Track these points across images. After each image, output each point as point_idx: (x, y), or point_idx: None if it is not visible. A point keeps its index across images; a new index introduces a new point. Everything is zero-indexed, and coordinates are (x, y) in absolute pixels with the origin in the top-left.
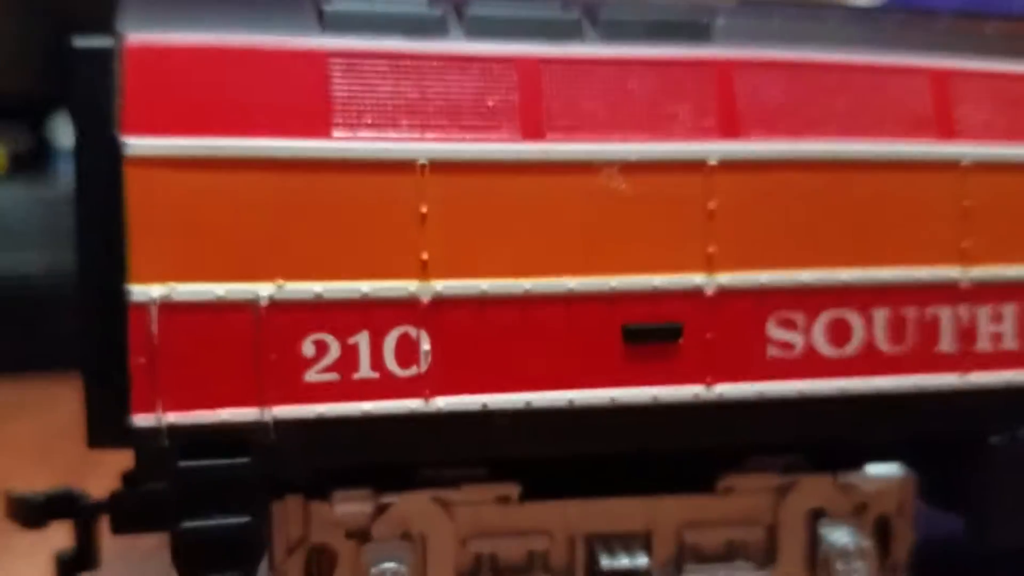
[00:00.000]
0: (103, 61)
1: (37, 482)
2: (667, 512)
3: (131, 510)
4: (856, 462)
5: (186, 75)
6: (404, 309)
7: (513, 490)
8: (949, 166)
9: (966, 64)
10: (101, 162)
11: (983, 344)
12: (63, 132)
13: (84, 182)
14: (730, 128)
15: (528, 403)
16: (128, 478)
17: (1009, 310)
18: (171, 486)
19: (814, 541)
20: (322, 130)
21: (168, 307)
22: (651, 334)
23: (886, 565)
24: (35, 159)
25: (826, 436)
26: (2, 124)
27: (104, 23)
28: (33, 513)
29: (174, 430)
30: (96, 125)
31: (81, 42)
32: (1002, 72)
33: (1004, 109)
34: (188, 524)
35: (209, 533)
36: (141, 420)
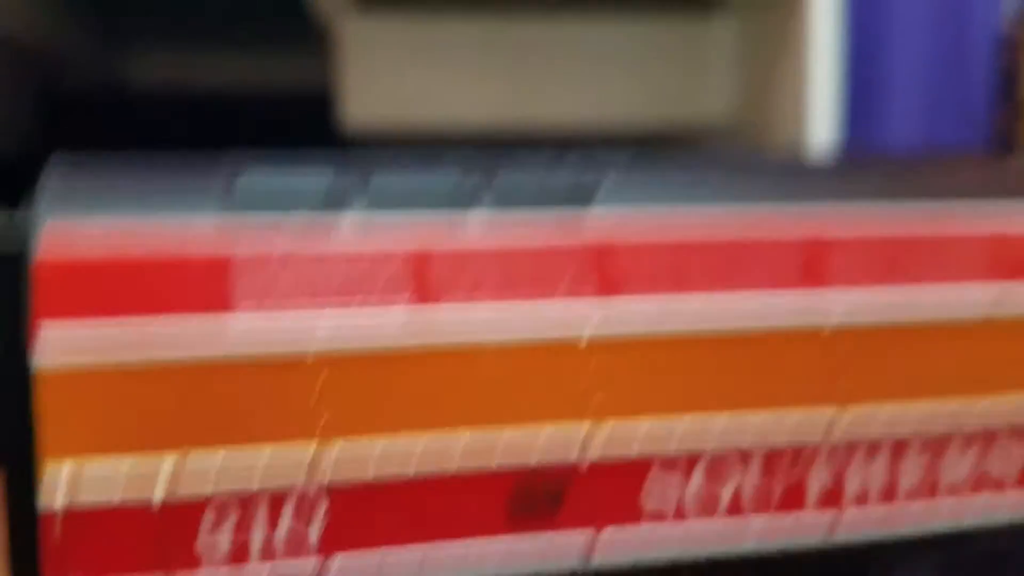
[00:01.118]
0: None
1: None
2: None
3: None
4: None
5: (93, 284)
6: (300, 481)
7: None
8: (817, 321)
9: (842, 221)
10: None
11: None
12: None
13: None
14: (608, 288)
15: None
16: None
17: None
18: None
19: None
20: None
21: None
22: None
23: None
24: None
25: None
26: None
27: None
28: None
29: None
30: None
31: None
32: (877, 233)
33: (877, 266)
34: None
35: None
36: None
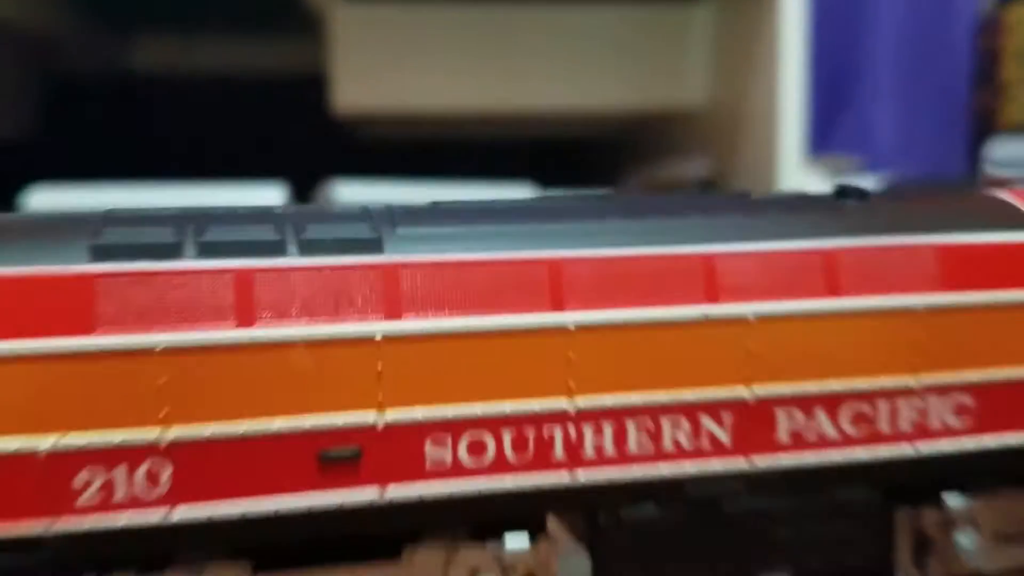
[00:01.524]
0: None
1: None
2: (366, 573)
3: None
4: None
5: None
6: (149, 450)
7: (246, 567)
8: (559, 331)
9: (574, 255)
10: None
11: (588, 452)
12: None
13: None
14: (393, 311)
15: (243, 514)
16: None
17: (608, 428)
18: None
19: None
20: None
21: None
22: (339, 458)
23: None
24: None
25: (476, 521)
26: None
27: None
28: None
29: None
30: None
31: None
32: (605, 257)
33: (606, 285)
34: None
35: None
36: None
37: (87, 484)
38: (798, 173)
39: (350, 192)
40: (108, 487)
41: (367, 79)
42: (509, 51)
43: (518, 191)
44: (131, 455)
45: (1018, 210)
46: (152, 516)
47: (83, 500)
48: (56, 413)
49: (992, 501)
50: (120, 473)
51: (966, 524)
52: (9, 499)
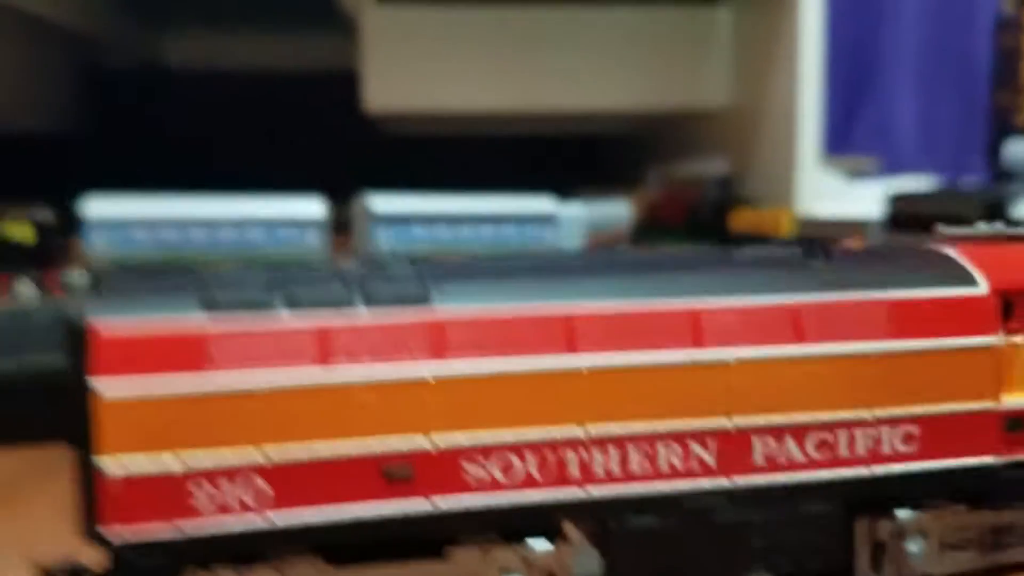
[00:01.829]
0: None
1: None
2: (418, 570)
3: None
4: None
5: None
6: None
7: (323, 563)
8: (573, 372)
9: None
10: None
11: (599, 471)
12: (95, 206)
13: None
14: (439, 355)
15: (326, 520)
16: None
17: (614, 451)
18: None
19: None
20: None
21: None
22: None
23: None
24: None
25: (506, 527)
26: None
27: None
28: None
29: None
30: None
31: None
32: (611, 310)
33: (612, 333)
34: None
35: None
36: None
37: (202, 493)
38: (815, 172)
39: (384, 204)
40: (220, 496)
41: (397, 78)
42: (535, 52)
43: (540, 203)
44: (238, 473)
45: (959, 266)
46: (255, 521)
47: (200, 506)
48: (180, 437)
49: (937, 514)
50: (229, 485)
51: (915, 534)
52: (140, 505)
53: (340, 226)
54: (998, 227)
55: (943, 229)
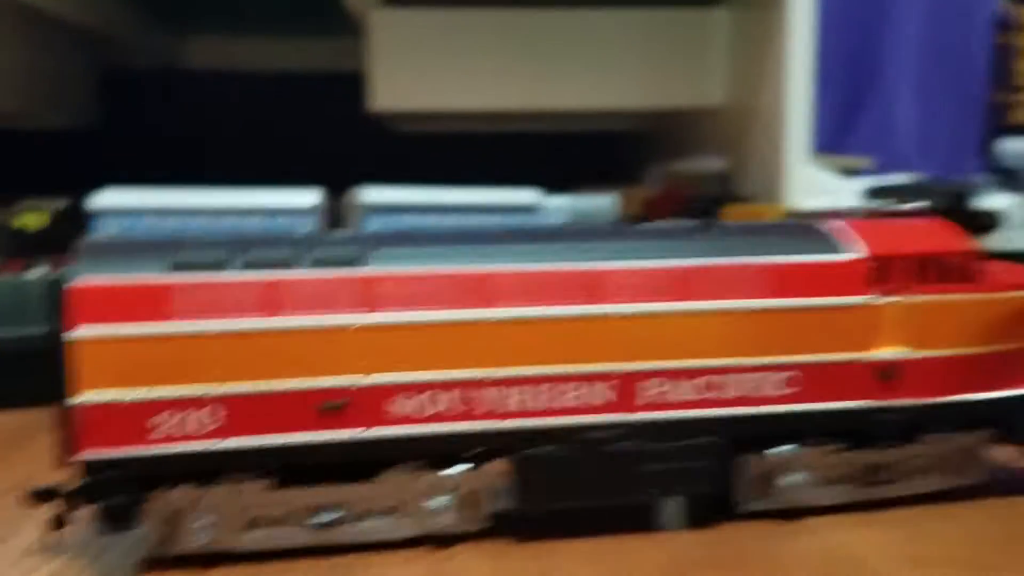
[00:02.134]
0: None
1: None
2: (353, 491)
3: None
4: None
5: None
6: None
7: (273, 483)
8: (489, 323)
9: (504, 266)
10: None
11: (512, 407)
12: (105, 197)
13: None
14: (370, 307)
15: (269, 445)
16: None
17: (526, 389)
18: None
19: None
20: (167, 314)
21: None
22: (333, 407)
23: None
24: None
25: (430, 454)
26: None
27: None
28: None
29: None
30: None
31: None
32: (525, 270)
33: (525, 290)
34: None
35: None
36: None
37: (164, 421)
38: (804, 169)
39: (375, 195)
40: (179, 423)
41: (403, 79)
42: (537, 53)
43: (524, 195)
44: (194, 403)
45: (836, 236)
46: (208, 445)
47: (161, 432)
48: (145, 374)
49: (815, 451)
50: (186, 415)
51: (795, 467)
52: (110, 431)
53: (341, 219)
54: (881, 205)
55: (828, 207)
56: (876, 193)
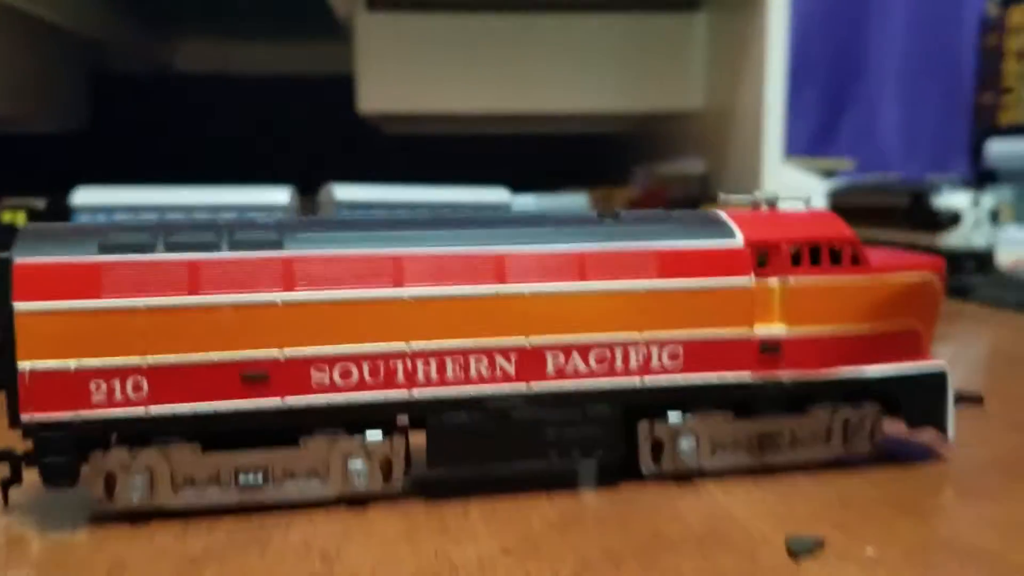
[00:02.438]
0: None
1: None
2: (275, 456)
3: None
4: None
5: (45, 277)
6: (135, 369)
7: (197, 448)
8: (400, 302)
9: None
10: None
11: (421, 378)
12: (82, 195)
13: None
14: (288, 285)
15: (195, 412)
16: None
17: (433, 362)
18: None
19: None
20: (98, 291)
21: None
22: (254, 378)
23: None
24: (54, 217)
25: (347, 422)
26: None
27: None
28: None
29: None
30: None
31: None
32: (433, 252)
33: (432, 271)
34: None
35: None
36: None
37: (97, 388)
38: (779, 171)
39: (346, 192)
40: (111, 391)
41: (389, 82)
42: (521, 57)
43: (494, 193)
44: (123, 372)
45: (723, 224)
46: (137, 411)
47: (95, 399)
48: (79, 346)
49: (705, 419)
50: (117, 383)
51: (688, 434)
52: (49, 397)
53: (316, 215)
54: (763, 197)
55: (723, 198)
56: (838, 193)
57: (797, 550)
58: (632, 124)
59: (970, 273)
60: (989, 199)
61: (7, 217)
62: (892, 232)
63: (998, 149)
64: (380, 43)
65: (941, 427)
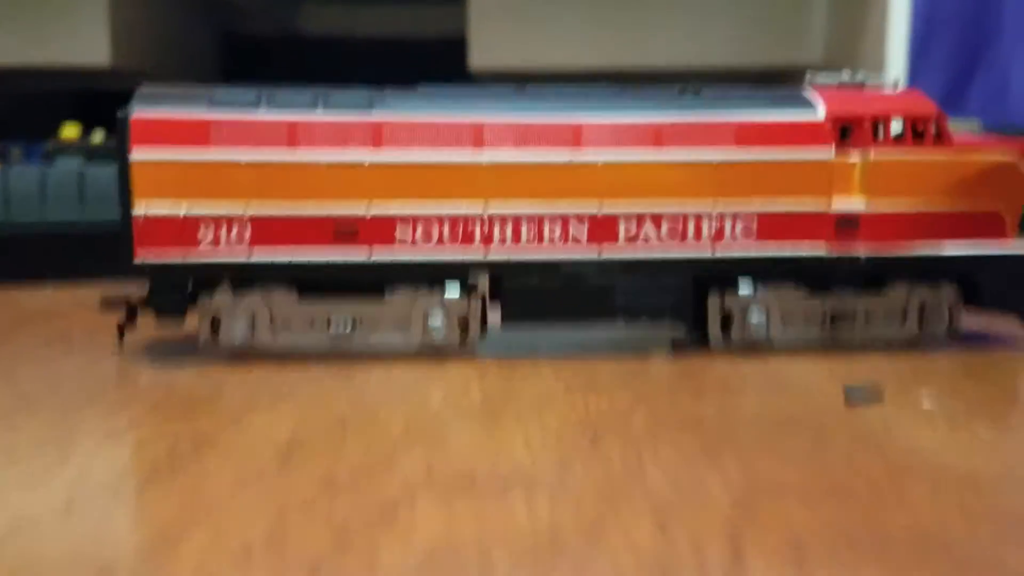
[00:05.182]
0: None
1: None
2: (363, 305)
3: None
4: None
5: (159, 129)
6: (239, 218)
7: (294, 292)
8: (479, 166)
9: (495, 117)
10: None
11: (496, 240)
12: None
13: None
14: (377, 145)
15: (292, 261)
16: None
17: (509, 226)
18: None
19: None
20: (206, 142)
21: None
22: (345, 232)
23: (468, 339)
24: None
25: (429, 278)
26: None
27: None
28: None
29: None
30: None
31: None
32: (515, 120)
33: (514, 137)
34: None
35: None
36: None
37: (204, 233)
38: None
39: None
40: (216, 237)
41: (501, 39)
42: (636, 12)
43: None
44: (229, 220)
45: (806, 100)
46: (240, 256)
47: (203, 243)
48: (189, 193)
49: (778, 292)
50: (223, 229)
51: (758, 306)
52: (162, 240)
53: None
54: (855, 78)
55: (810, 76)
56: None
57: (855, 398)
58: (749, 80)
59: None
60: None
61: (66, 133)
62: None
63: None
64: (493, 3)
65: (1021, 313)
